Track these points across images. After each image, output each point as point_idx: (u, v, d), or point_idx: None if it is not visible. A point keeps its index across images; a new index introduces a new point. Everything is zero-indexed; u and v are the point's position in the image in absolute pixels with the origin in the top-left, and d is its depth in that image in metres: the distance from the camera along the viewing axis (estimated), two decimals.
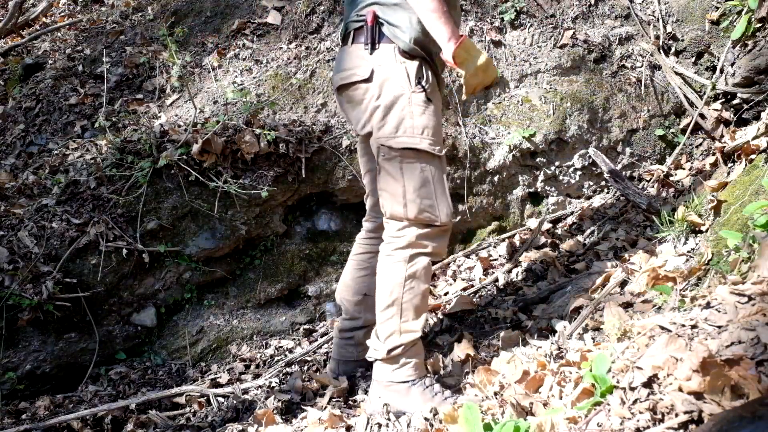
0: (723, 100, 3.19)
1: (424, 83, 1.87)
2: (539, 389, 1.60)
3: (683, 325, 1.53)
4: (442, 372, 2.20)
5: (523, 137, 3.15)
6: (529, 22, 3.40)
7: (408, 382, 1.91)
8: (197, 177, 2.68)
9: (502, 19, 3.40)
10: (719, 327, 1.47)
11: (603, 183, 3.26)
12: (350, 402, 2.17)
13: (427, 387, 1.91)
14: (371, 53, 1.87)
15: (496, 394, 1.71)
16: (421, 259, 1.90)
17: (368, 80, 1.87)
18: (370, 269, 2.14)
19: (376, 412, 1.91)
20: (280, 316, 2.95)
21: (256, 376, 2.50)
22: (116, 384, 2.55)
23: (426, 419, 1.76)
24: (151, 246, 2.70)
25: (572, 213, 3.29)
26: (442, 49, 1.81)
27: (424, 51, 1.88)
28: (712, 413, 1.19)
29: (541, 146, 3.22)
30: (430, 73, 1.91)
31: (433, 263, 2.20)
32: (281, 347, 2.75)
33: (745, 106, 3.09)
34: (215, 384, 2.47)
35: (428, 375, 2.01)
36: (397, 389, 1.91)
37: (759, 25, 3.05)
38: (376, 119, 1.88)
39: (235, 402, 2.25)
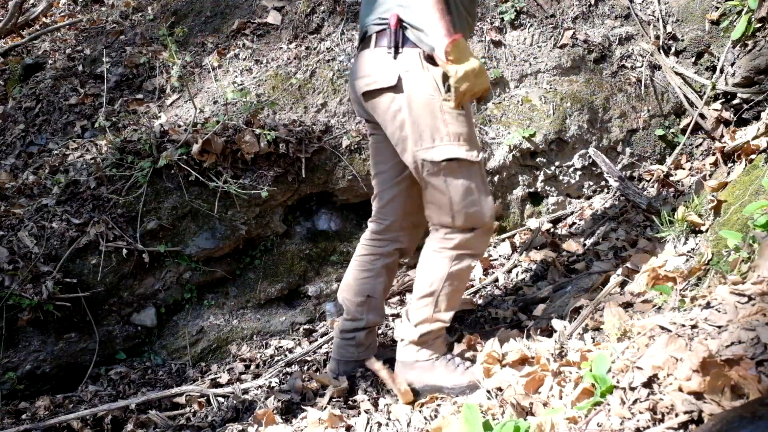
0: (723, 100, 3.19)
1: None
2: (539, 389, 1.60)
3: (683, 325, 1.53)
4: None
5: (523, 137, 3.15)
6: (529, 22, 3.40)
7: (431, 359, 2.01)
8: (197, 177, 2.68)
9: (502, 19, 3.40)
10: (719, 327, 1.47)
11: (603, 183, 3.26)
12: (350, 402, 2.17)
13: (449, 360, 2.02)
14: (395, 57, 1.85)
15: (496, 395, 1.71)
16: (466, 260, 1.98)
17: (395, 89, 1.85)
18: (374, 271, 2.18)
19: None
20: (280, 316, 2.95)
21: (256, 376, 2.50)
22: (116, 384, 2.55)
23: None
24: (151, 246, 2.70)
25: (572, 213, 3.29)
26: (436, 45, 1.78)
27: None
28: (712, 413, 1.19)
29: (541, 146, 3.22)
30: None
31: None
32: (281, 347, 2.75)
33: (745, 106, 3.09)
34: (215, 384, 2.47)
35: (452, 353, 2.10)
36: (422, 366, 2.01)
37: (759, 25, 3.05)
38: (410, 131, 1.87)
39: (235, 402, 2.25)
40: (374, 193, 2.20)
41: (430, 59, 1.84)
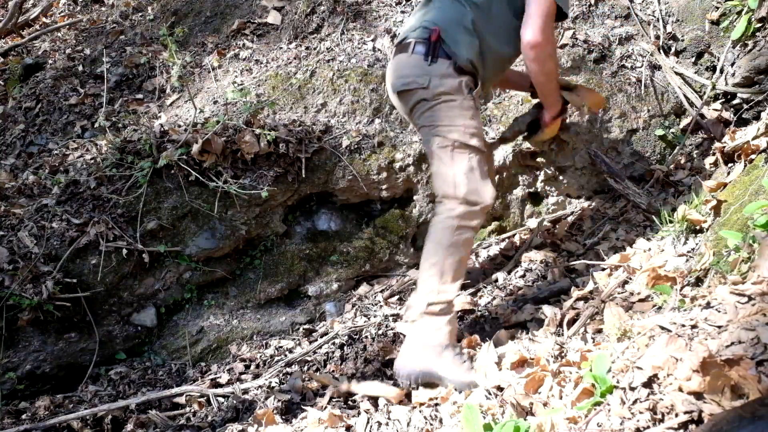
0: (723, 100, 3.18)
1: (474, 93, 2.22)
2: (539, 389, 1.60)
3: (683, 325, 1.53)
4: None
5: (523, 137, 3.14)
6: None
7: (442, 347, 2.08)
8: (197, 177, 2.68)
9: None
10: (719, 327, 1.47)
11: (603, 183, 3.26)
12: (350, 402, 2.17)
13: (457, 354, 2.08)
14: (430, 65, 2.18)
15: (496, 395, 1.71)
16: (465, 232, 2.17)
17: (426, 89, 2.18)
18: None
19: (403, 370, 2.10)
20: (280, 316, 2.95)
21: (256, 376, 2.50)
22: (116, 384, 2.55)
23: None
24: (151, 246, 2.69)
25: (572, 213, 3.29)
26: (547, 109, 2.48)
27: (474, 69, 2.24)
28: (712, 413, 1.19)
29: (541, 146, 3.22)
30: (477, 86, 2.26)
31: None
32: (281, 347, 2.74)
33: (745, 106, 3.09)
34: (215, 384, 2.47)
35: (460, 346, 2.18)
36: (432, 348, 2.09)
37: (759, 25, 3.05)
38: (432, 120, 2.19)
39: (235, 402, 2.25)
40: None
41: (461, 69, 2.19)
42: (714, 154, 2.91)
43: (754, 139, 2.58)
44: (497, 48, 2.30)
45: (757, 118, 2.95)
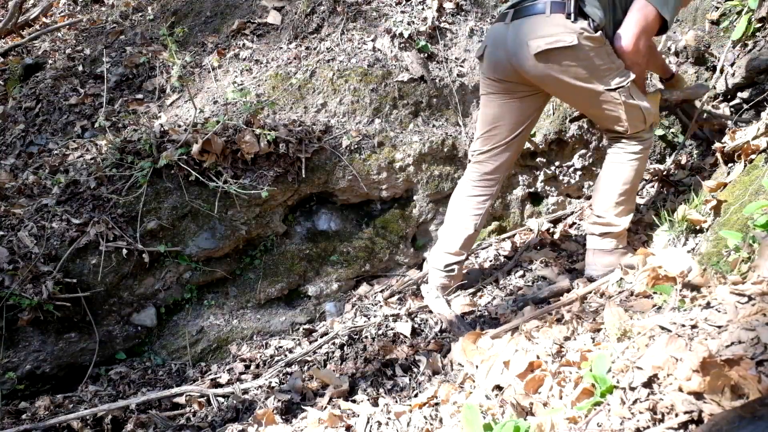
0: (723, 100, 3.18)
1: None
2: (539, 389, 1.60)
3: (683, 325, 1.53)
4: (441, 372, 2.20)
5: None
6: None
7: (624, 249, 2.56)
8: (197, 177, 2.68)
9: None
10: (719, 327, 1.47)
11: None
12: (350, 402, 2.17)
13: (628, 251, 2.56)
14: (574, 21, 2.27)
15: (496, 394, 1.71)
16: (642, 160, 2.57)
17: (575, 47, 2.27)
18: (483, 209, 2.72)
19: None
20: (280, 316, 2.95)
21: (256, 376, 2.50)
22: (116, 384, 2.55)
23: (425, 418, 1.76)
24: (151, 246, 2.70)
25: (572, 213, 3.29)
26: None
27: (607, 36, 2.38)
28: (712, 413, 1.19)
29: (541, 146, 3.22)
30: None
31: None
32: (281, 347, 2.74)
33: (745, 106, 3.09)
34: (215, 384, 2.47)
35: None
36: (619, 252, 2.55)
37: (759, 25, 3.05)
38: (590, 75, 2.33)
39: (235, 402, 2.25)
40: (485, 147, 2.65)
41: (598, 28, 2.29)
42: (714, 154, 2.91)
43: (754, 139, 2.58)
44: (611, 27, 2.38)
45: (757, 118, 2.95)
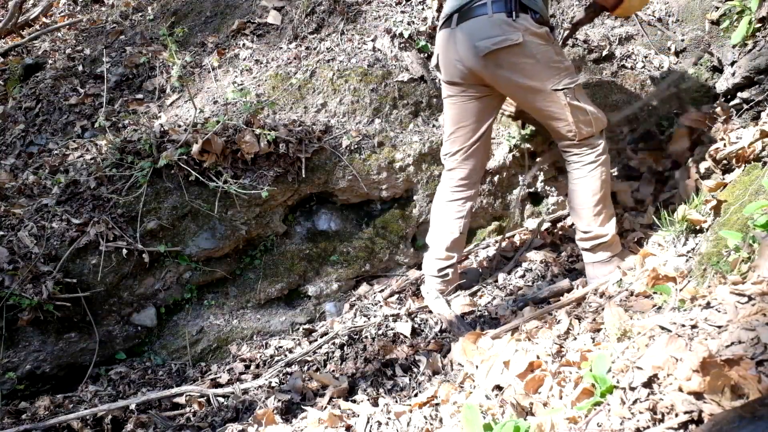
0: (723, 100, 3.18)
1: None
2: (539, 389, 1.60)
3: (683, 325, 1.53)
4: (441, 372, 2.20)
5: (524, 137, 3.15)
6: None
7: (616, 256, 2.56)
8: (197, 177, 2.68)
9: None
10: (719, 327, 1.47)
11: None
12: (350, 402, 2.17)
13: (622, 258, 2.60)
14: (515, 20, 2.31)
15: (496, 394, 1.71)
16: (603, 165, 2.58)
17: (521, 45, 2.32)
18: (464, 212, 2.74)
19: None
20: (280, 316, 2.95)
21: (256, 376, 2.50)
22: (116, 384, 2.55)
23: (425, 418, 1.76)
24: (151, 246, 2.69)
25: None
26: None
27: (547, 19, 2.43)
28: (712, 413, 1.19)
29: (541, 146, 3.22)
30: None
31: None
32: (281, 347, 2.75)
33: (745, 106, 3.09)
34: (215, 384, 2.47)
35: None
36: (615, 261, 2.56)
37: (759, 25, 3.05)
38: (539, 74, 2.37)
39: (235, 402, 2.25)
40: (453, 149, 2.69)
41: (541, 20, 2.35)
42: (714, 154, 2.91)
43: (749, 145, 2.58)
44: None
45: (757, 118, 2.95)
